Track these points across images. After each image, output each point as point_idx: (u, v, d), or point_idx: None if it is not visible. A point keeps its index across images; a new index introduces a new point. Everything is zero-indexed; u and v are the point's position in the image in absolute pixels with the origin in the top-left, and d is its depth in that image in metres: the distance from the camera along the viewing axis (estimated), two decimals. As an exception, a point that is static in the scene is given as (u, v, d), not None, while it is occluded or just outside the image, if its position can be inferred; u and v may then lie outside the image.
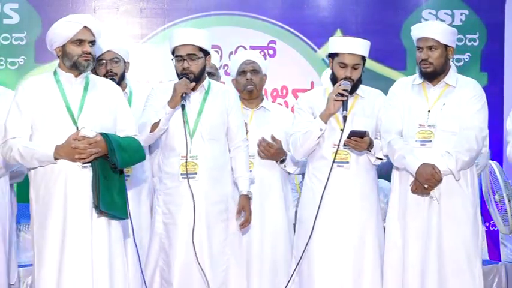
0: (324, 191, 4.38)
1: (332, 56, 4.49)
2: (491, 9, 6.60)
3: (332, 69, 4.51)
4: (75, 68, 4.04)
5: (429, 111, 4.43)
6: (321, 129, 4.41)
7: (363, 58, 4.47)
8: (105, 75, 4.63)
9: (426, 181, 4.32)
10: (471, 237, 4.39)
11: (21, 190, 5.37)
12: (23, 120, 3.98)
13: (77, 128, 3.94)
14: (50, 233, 3.94)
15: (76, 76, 4.06)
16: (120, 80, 4.66)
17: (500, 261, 5.94)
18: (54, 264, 3.92)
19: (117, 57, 4.70)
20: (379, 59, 6.37)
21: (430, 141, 4.39)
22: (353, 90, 4.47)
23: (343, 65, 4.43)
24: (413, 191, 4.39)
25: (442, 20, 6.58)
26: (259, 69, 4.92)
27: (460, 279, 4.35)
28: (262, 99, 5.01)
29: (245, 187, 4.52)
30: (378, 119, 4.53)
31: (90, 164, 3.92)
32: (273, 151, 4.79)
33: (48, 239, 3.94)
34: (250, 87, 4.87)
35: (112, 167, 3.93)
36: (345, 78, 4.41)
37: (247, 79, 4.87)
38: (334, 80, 4.49)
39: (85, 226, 3.92)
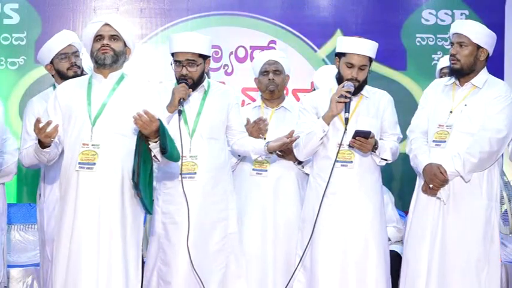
0: (325, 189, 4.38)
1: (339, 55, 4.49)
2: (491, 9, 6.60)
3: (338, 68, 4.50)
4: (97, 64, 4.05)
5: (451, 111, 4.43)
6: (323, 131, 4.41)
7: (370, 59, 4.47)
8: (68, 69, 4.66)
9: (430, 181, 4.33)
10: (480, 241, 4.35)
11: (22, 191, 5.39)
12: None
13: (92, 128, 3.96)
14: (62, 234, 3.97)
15: (106, 76, 4.06)
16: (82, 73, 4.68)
17: (500, 261, 5.93)
18: (63, 264, 3.95)
19: (78, 51, 4.71)
20: (379, 59, 6.30)
21: (445, 141, 4.38)
22: (358, 91, 4.48)
23: (350, 65, 4.42)
24: (423, 191, 4.41)
25: (442, 20, 6.59)
26: (282, 69, 4.94)
27: (463, 283, 4.32)
28: (284, 99, 5.03)
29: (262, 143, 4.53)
30: (383, 119, 4.54)
31: (138, 143, 3.89)
32: (290, 151, 4.77)
33: (60, 239, 3.98)
34: (272, 87, 4.89)
35: (162, 150, 3.86)
36: (350, 79, 4.41)
37: (269, 79, 4.89)
38: (339, 79, 4.48)
39: (92, 227, 3.91)
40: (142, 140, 3.88)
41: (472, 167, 4.32)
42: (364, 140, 4.30)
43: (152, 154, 3.92)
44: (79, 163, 3.95)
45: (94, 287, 3.89)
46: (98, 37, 4.04)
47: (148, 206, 4.00)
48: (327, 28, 6.47)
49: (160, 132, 3.84)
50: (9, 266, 5.32)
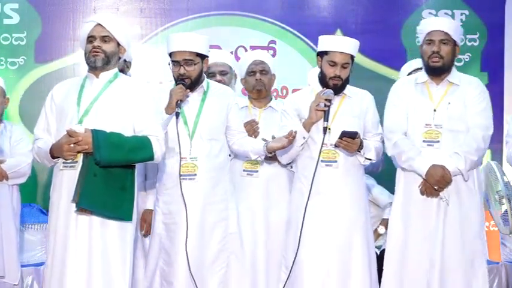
0: (310, 189, 4.37)
1: (321, 54, 4.49)
2: (491, 9, 6.60)
3: (321, 67, 4.50)
4: (89, 66, 4.06)
5: (435, 110, 4.42)
6: (303, 138, 4.43)
7: (352, 57, 4.48)
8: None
9: (437, 182, 4.32)
10: (478, 237, 4.39)
11: (23, 191, 5.39)
12: (47, 122, 4.08)
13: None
14: (49, 232, 4.00)
15: (97, 76, 4.06)
16: None
17: (501, 261, 5.93)
18: (50, 262, 3.97)
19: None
20: (379, 59, 6.36)
21: (438, 141, 4.38)
22: (340, 90, 4.48)
23: (333, 64, 4.43)
24: (422, 193, 4.38)
25: (442, 20, 6.59)
26: (269, 69, 4.93)
27: (465, 281, 4.34)
28: (271, 99, 5.02)
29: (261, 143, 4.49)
30: (367, 120, 4.53)
31: (83, 162, 3.90)
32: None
33: (48, 237, 4.01)
34: (260, 87, 4.89)
35: (95, 163, 3.87)
36: (333, 78, 4.40)
37: (256, 79, 4.89)
38: (322, 78, 4.49)
39: (71, 225, 3.92)
40: (89, 156, 3.88)
41: (472, 165, 4.35)
42: (350, 140, 4.31)
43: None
44: (63, 162, 3.95)
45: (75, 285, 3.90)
46: (90, 38, 4.04)
47: (115, 215, 3.95)
48: (327, 28, 6.45)
49: (94, 144, 3.84)
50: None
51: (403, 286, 4.42)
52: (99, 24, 4.05)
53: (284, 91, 6.50)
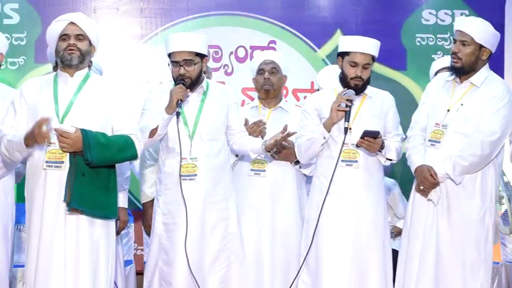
0: (328, 188, 4.38)
1: (341, 55, 4.49)
2: (491, 9, 6.58)
3: (341, 68, 4.50)
4: (63, 64, 4.03)
5: (448, 110, 4.41)
6: (324, 138, 4.43)
7: (373, 58, 4.48)
8: None
9: (421, 183, 4.34)
10: (473, 242, 4.35)
11: (21, 190, 5.39)
12: (16, 119, 4.01)
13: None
14: (32, 232, 3.96)
15: (72, 75, 4.05)
16: None
17: (501, 261, 5.93)
18: (33, 263, 3.94)
19: None
20: (379, 59, 6.26)
21: (439, 142, 4.37)
22: (361, 90, 4.49)
23: (354, 64, 4.43)
24: (416, 191, 4.41)
25: (442, 20, 6.59)
26: (279, 69, 4.93)
27: (458, 284, 4.32)
28: (281, 99, 5.03)
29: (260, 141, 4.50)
30: (387, 120, 4.54)
31: (70, 161, 3.88)
32: (285, 151, 4.76)
33: (30, 238, 3.97)
34: (267, 86, 4.89)
35: (86, 163, 3.86)
36: (354, 78, 4.42)
37: (264, 78, 4.89)
38: (343, 79, 4.49)
39: (59, 225, 3.90)
40: (77, 155, 3.86)
41: (463, 170, 4.31)
42: (372, 140, 4.32)
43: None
44: (46, 162, 3.92)
45: (62, 286, 3.88)
46: (64, 36, 4.02)
47: (103, 213, 3.96)
48: (327, 28, 6.47)
49: (84, 144, 3.83)
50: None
51: (400, 285, 4.44)
52: (73, 23, 4.04)
53: (284, 91, 6.49)
